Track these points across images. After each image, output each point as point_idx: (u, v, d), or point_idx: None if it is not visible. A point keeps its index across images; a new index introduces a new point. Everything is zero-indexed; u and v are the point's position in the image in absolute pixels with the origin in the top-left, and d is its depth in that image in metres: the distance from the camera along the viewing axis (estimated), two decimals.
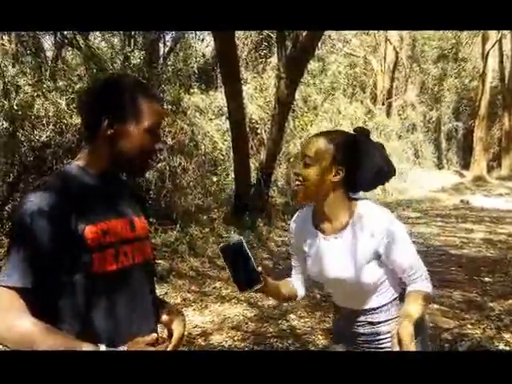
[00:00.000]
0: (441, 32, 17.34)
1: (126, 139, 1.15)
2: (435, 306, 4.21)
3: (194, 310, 4.17)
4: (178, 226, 5.74)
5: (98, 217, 1.11)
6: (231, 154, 7.05)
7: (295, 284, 1.63)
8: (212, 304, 4.30)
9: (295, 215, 1.60)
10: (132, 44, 8.37)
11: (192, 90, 8.49)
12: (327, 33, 12.34)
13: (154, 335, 1.12)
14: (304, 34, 6.65)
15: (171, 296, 4.42)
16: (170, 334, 1.23)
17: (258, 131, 8.77)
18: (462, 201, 12.46)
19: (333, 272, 1.45)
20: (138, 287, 1.18)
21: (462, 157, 21.25)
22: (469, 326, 3.80)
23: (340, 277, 1.44)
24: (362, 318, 1.49)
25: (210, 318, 4.00)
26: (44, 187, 1.09)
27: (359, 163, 1.40)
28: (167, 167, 6.15)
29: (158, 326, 1.26)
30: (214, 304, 4.30)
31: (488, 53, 16.16)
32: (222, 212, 6.67)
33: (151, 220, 5.56)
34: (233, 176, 7.14)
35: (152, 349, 1.10)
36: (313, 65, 11.04)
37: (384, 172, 1.44)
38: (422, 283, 1.40)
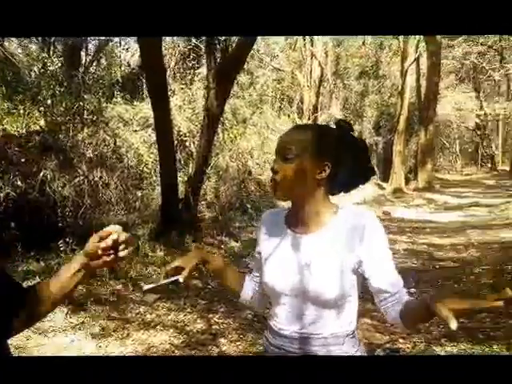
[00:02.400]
0: (362, 50, 18.18)
1: None
2: (367, 321, 4.19)
3: (115, 339, 3.79)
4: None
5: None
6: (158, 167, 6.72)
7: (246, 281, 1.48)
8: (135, 332, 3.94)
9: (265, 214, 1.41)
10: (51, 51, 7.83)
11: (115, 100, 8.03)
12: (255, 47, 12.40)
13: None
14: (234, 45, 6.54)
15: (90, 325, 4.00)
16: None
17: (187, 144, 8.50)
18: (383, 212, 12.94)
19: (297, 275, 1.24)
20: None
21: (382, 170, 22.35)
22: (400, 341, 3.81)
23: (303, 281, 1.23)
24: (311, 348, 1.24)
25: (133, 347, 3.65)
26: None
27: (345, 159, 1.26)
28: (85, 181, 5.68)
29: None
30: (137, 332, 3.94)
31: (406, 70, 17.12)
32: (148, 229, 6.29)
33: (67, 240, 5.07)
34: (159, 190, 6.79)
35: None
36: (242, 77, 11.00)
37: (368, 171, 1.32)
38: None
